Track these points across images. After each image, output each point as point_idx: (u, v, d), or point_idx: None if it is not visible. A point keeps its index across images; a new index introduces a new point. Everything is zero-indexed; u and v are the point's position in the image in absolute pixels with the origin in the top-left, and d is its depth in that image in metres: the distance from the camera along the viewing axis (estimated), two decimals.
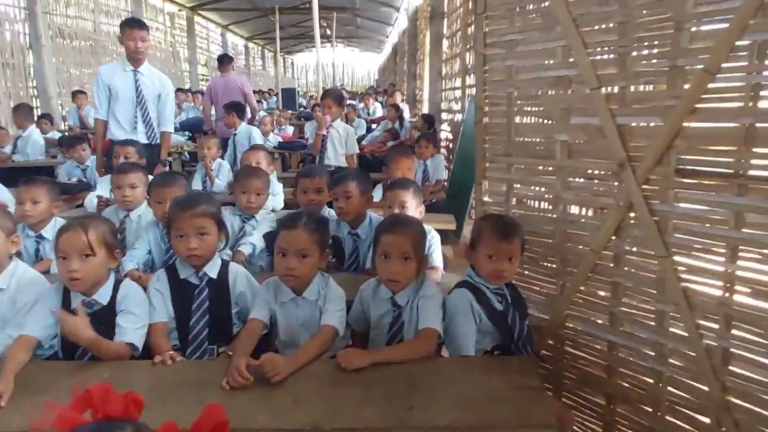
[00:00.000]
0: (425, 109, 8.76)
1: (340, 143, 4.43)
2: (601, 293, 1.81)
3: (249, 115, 5.80)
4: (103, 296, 1.69)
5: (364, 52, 25.88)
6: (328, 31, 15.43)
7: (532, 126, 2.05)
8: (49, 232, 2.46)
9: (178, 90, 9.62)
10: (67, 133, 7.01)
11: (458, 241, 4.21)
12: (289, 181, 3.57)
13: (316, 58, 8.23)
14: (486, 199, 2.17)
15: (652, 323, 1.67)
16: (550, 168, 1.91)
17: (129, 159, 3.31)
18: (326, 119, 4.34)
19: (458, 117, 6.52)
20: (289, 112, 10.69)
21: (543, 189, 1.96)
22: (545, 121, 1.98)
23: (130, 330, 1.65)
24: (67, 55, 9.12)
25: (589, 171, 1.82)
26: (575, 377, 1.96)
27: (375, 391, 1.39)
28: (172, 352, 1.62)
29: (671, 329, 1.62)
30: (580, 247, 1.84)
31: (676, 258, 1.57)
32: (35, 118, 6.59)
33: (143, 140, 3.86)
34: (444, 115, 7.72)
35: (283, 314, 1.75)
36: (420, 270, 1.73)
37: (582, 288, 1.85)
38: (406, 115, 8.28)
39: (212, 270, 1.86)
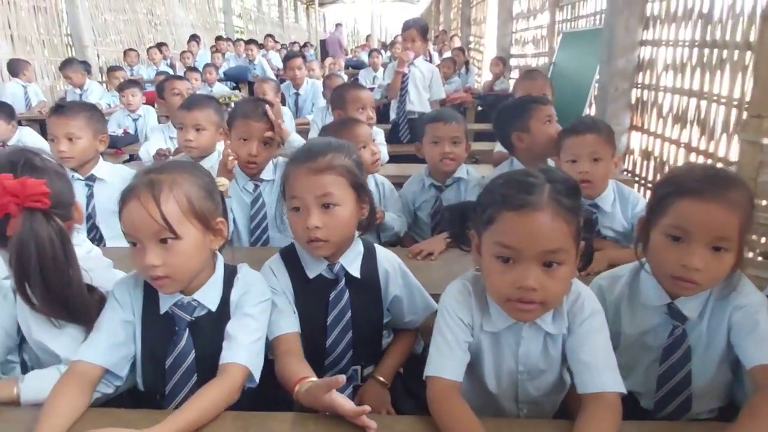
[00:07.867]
0: (488, 55, 7.88)
1: (424, 85, 3.72)
2: None
3: None
4: (209, 296, 1.06)
5: (395, 2, 22.98)
6: None
7: None
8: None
9: (218, 38, 8.92)
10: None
11: None
12: None
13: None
14: None
15: None
16: None
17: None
18: (408, 54, 3.62)
19: (540, 61, 5.74)
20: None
21: None
22: None
23: (244, 345, 1.02)
24: None
25: None
26: None
27: None
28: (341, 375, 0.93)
29: None
30: None
31: None
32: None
33: None
34: (514, 61, 6.87)
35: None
36: (738, 263, 1.01)
37: None
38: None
39: (353, 263, 1.20)
